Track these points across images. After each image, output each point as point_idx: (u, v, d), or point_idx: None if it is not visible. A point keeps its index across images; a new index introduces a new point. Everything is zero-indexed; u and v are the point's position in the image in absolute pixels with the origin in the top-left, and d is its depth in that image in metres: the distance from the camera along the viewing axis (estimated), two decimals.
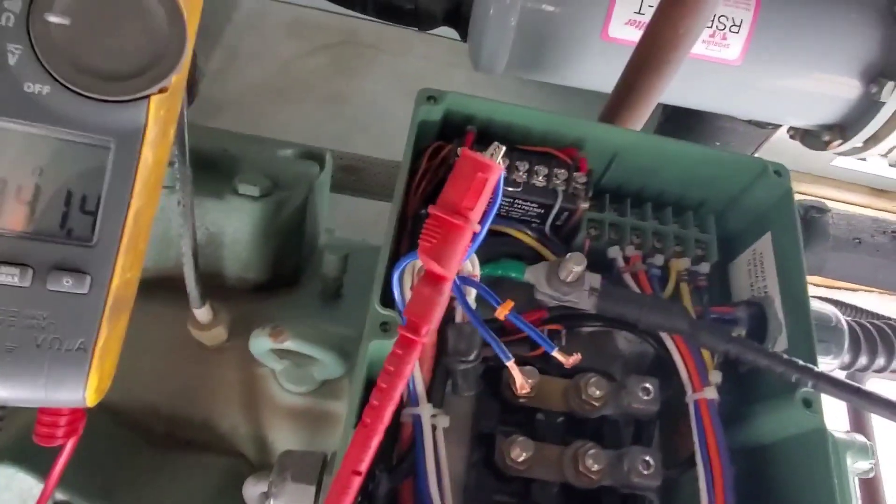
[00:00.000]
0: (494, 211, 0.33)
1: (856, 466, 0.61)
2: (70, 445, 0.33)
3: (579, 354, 0.34)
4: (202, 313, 0.42)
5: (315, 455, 0.37)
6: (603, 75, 0.69)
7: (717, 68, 0.67)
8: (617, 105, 0.59)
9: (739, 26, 0.65)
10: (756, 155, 0.98)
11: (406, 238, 0.44)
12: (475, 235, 0.33)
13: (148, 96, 0.28)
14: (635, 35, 0.63)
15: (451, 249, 0.32)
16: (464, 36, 0.71)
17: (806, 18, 0.66)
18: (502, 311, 0.35)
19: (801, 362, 0.39)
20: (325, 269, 0.51)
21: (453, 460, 0.41)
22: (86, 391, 0.28)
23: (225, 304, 0.48)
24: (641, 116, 0.60)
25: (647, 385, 0.42)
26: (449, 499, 0.38)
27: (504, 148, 0.33)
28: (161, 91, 0.28)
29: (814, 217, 0.87)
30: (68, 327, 0.27)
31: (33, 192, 0.27)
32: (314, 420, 0.46)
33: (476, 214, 0.32)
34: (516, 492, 0.41)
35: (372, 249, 0.61)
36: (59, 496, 0.37)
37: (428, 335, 0.32)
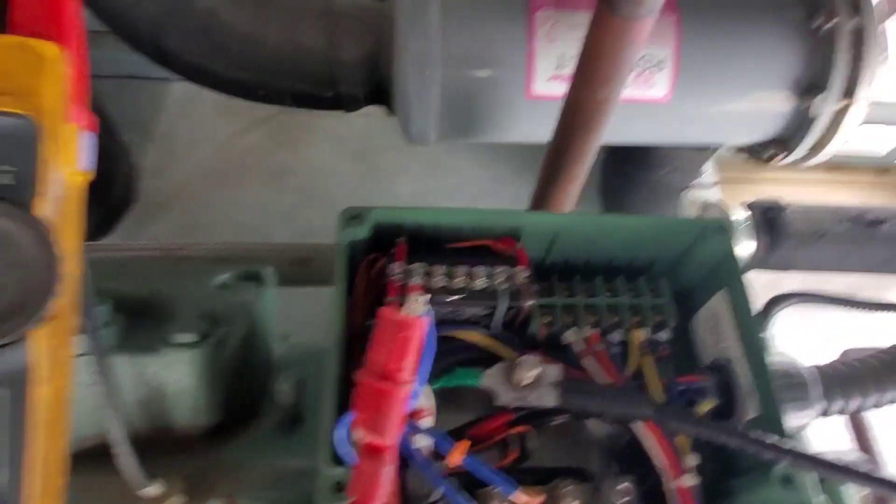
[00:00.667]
0: (431, 360, 0.32)
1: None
2: None
3: (543, 497, 0.32)
4: (153, 489, 0.40)
5: None
6: (533, 131, 0.68)
7: (648, 108, 0.66)
8: (550, 179, 0.59)
9: (663, 62, 0.65)
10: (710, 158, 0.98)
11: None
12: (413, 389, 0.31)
13: (23, 333, 0.26)
14: (559, 89, 0.62)
15: (386, 416, 0.30)
16: (391, 111, 0.70)
17: (727, 44, 0.66)
18: (455, 458, 0.33)
19: (773, 439, 0.38)
20: (279, 399, 0.49)
21: None
22: None
23: (178, 458, 0.45)
24: (577, 181, 0.59)
25: (622, 487, 0.40)
26: None
27: (428, 296, 0.31)
28: (40, 323, 0.26)
29: (773, 217, 0.87)
30: None
31: None
32: None
33: (407, 373, 0.31)
34: None
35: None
36: None
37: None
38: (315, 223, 1.10)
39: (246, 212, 1.11)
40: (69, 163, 0.29)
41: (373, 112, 1.28)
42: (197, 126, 1.17)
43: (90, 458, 0.46)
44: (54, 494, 0.28)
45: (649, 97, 0.65)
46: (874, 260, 0.91)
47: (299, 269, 0.75)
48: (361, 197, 1.17)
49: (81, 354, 0.37)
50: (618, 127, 0.62)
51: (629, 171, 0.85)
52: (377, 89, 0.67)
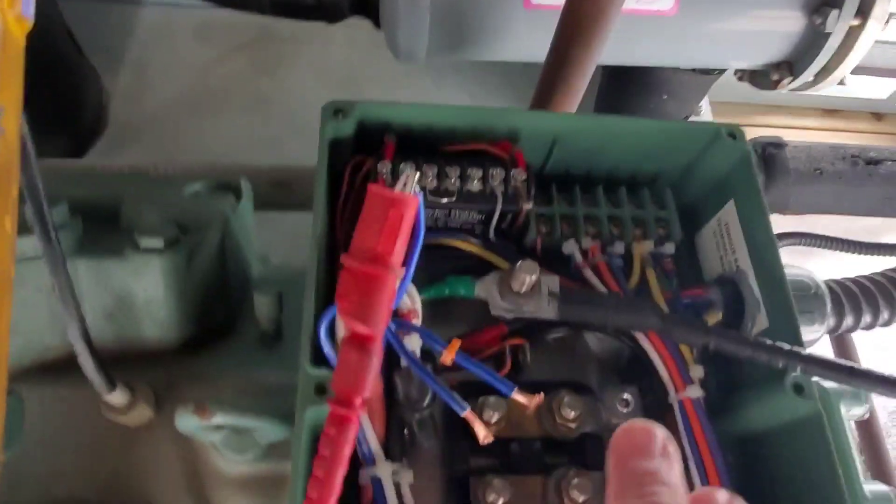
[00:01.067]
0: (419, 247, 0.28)
1: (851, 413, 0.59)
2: None
3: (541, 395, 0.30)
4: (115, 397, 0.37)
5: None
6: (530, 45, 0.64)
7: (653, 21, 0.62)
8: (549, 87, 0.55)
9: None
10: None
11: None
12: (401, 278, 0.28)
13: None
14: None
15: (373, 303, 0.27)
16: (377, 23, 0.65)
17: None
18: (448, 356, 0.30)
19: (786, 347, 0.35)
20: (258, 312, 0.46)
21: None
22: None
23: (148, 372, 0.42)
24: (576, 94, 0.55)
25: (626, 396, 0.38)
26: None
27: (417, 174, 0.29)
28: None
29: (772, 153, 0.84)
30: None
31: None
32: (267, 485, 0.41)
33: (397, 257, 0.27)
34: None
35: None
36: None
37: (363, 406, 0.27)
38: (296, 153, 1.05)
39: (224, 141, 1.06)
40: (11, 4, 0.25)
41: (357, 40, 1.22)
42: (172, 52, 1.11)
43: (56, 370, 0.43)
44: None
45: (654, 9, 0.61)
46: (872, 199, 0.89)
47: (279, 191, 0.71)
48: None
49: (36, 258, 0.33)
50: (620, 43, 0.58)
51: (627, 96, 0.82)
52: None
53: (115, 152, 0.98)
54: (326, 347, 0.32)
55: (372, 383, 0.27)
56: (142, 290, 0.42)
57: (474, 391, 0.37)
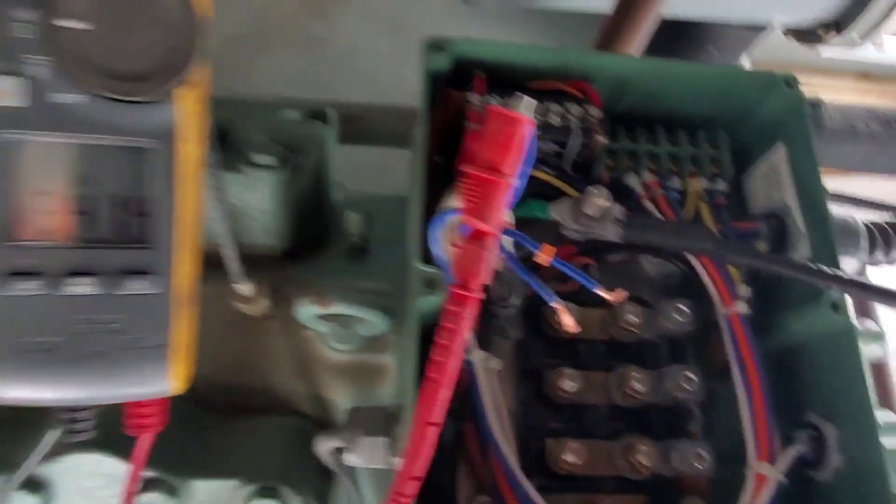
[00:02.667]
0: (531, 164, 0.34)
1: (868, 351, 0.65)
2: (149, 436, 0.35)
3: (623, 290, 0.36)
4: (246, 288, 0.43)
5: (380, 409, 0.39)
6: None
7: None
8: (612, 30, 0.59)
9: None
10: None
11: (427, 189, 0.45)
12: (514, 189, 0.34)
13: (170, 91, 0.27)
14: None
15: (492, 206, 0.33)
16: None
17: None
18: (544, 257, 0.36)
19: (828, 270, 0.41)
20: (349, 227, 0.52)
21: (505, 398, 0.43)
22: (169, 382, 0.29)
23: (256, 276, 0.48)
24: (639, 41, 0.59)
25: (681, 306, 0.43)
26: (509, 434, 0.40)
27: (535, 102, 0.33)
28: (184, 84, 0.28)
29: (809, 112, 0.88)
30: (144, 326, 0.28)
31: (80, 202, 0.27)
32: (364, 374, 0.47)
33: (512, 169, 0.33)
34: (568, 418, 0.43)
35: (388, 200, 0.62)
36: (147, 474, 0.39)
37: (480, 289, 0.33)
38: (344, 93, 1.09)
39: (278, 80, 1.11)
40: None
41: None
42: None
43: None
44: (197, 263, 0.30)
45: None
46: None
47: (347, 126, 0.76)
48: (396, 72, 1.16)
49: None
50: None
51: (676, 49, 0.85)
52: None
53: None
54: (435, 248, 0.37)
55: (487, 273, 0.33)
56: (255, 202, 0.48)
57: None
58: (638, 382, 0.41)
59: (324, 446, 0.41)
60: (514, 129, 0.32)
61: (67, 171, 0.27)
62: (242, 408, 0.47)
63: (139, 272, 0.28)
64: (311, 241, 0.53)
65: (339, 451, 0.39)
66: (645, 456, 0.40)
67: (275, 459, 0.43)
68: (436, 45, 0.45)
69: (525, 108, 0.32)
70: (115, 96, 0.26)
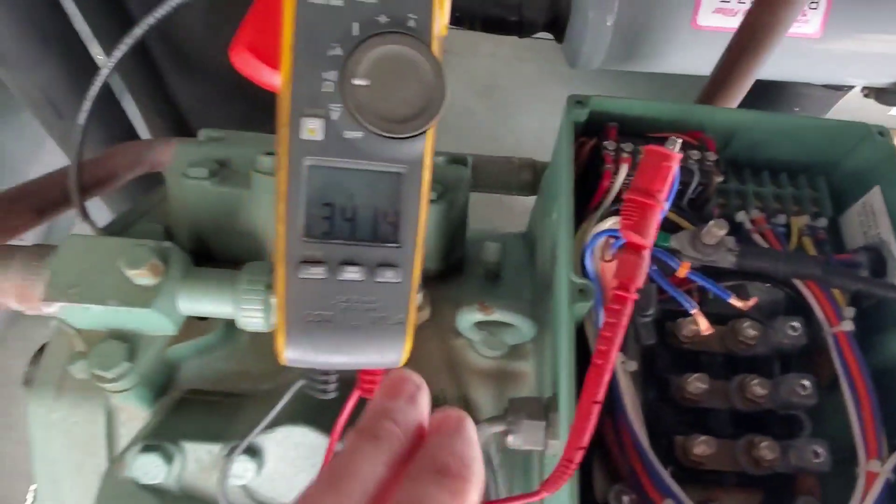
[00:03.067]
0: (675, 190, 0.42)
1: None
2: (350, 405, 0.43)
3: (756, 298, 0.43)
4: (419, 297, 0.51)
5: (538, 399, 0.46)
6: (692, 60, 0.76)
7: (799, 43, 0.74)
8: (716, 87, 0.67)
9: (818, 3, 0.72)
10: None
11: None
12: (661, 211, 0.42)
13: (425, 131, 0.37)
14: (722, 22, 0.70)
15: (647, 224, 0.41)
16: (559, 38, 0.79)
17: None
18: (683, 271, 0.43)
19: None
20: (487, 255, 0.60)
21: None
22: (402, 354, 0.38)
23: (422, 290, 0.57)
24: (739, 96, 0.68)
25: (795, 323, 0.50)
26: (644, 432, 0.46)
27: (680, 141, 0.41)
28: (432, 125, 0.37)
29: None
30: (391, 307, 0.37)
31: (353, 211, 0.37)
32: (506, 379, 0.55)
33: (664, 195, 0.41)
34: (692, 421, 0.50)
35: (508, 237, 0.71)
36: (340, 447, 0.47)
37: (636, 293, 0.41)
38: (444, 147, 1.20)
39: None
40: (442, 17, 0.39)
41: (499, 52, 1.37)
42: None
43: None
44: (421, 258, 0.39)
45: (802, 33, 0.73)
46: None
47: None
48: (489, 130, 1.27)
49: None
50: (770, 61, 0.70)
51: (762, 106, 0.93)
52: (555, 18, 0.77)
53: None
54: (588, 262, 0.45)
55: (643, 277, 0.41)
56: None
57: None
58: (759, 388, 0.47)
59: (485, 432, 0.48)
60: (669, 162, 0.40)
61: (347, 188, 0.36)
62: None
63: (391, 265, 0.36)
64: (453, 266, 0.62)
65: (505, 433, 0.46)
66: (767, 450, 0.46)
67: None
68: (578, 101, 0.54)
69: (677, 147, 0.41)
70: (386, 134, 0.35)
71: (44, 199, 0.66)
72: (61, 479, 0.56)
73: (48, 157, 1.28)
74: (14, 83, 0.87)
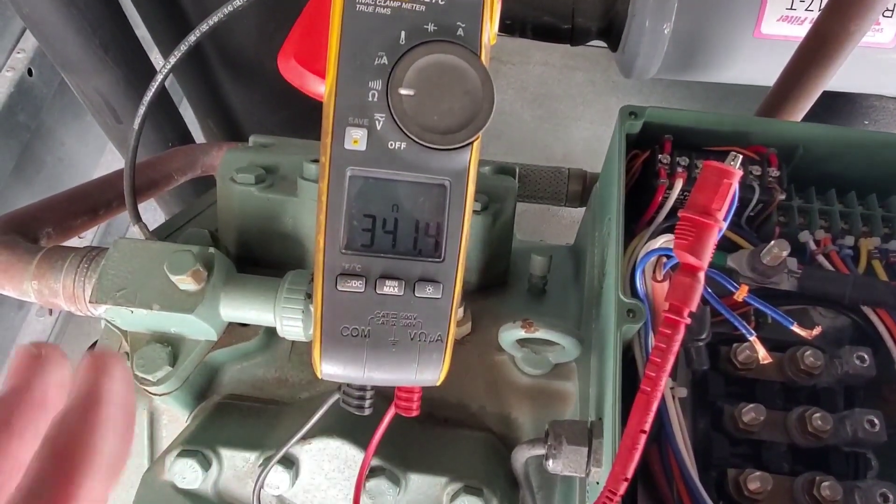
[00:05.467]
0: (734, 208, 0.39)
1: None
2: (387, 421, 0.42)
3: (820, 327, 0.40)
4: (460, 310, 0.50)
5: (581, 423, 0.44)
6: (753, 70, 0.73)
7: (871, 53, 0.69)
8: (780, 99, 0.64)
9: (893, 11, 0.68)
10: None
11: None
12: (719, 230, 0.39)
13: (471, 143, 0.36)
14: (788, 30, 0.67)
15: (703, 244, 0.38)
16: (613, 47, 0.77)
17: None
18: (741, 294, 0.41)
19: None
20: (533, 268, 0.59)
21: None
22: (440, 373, 0.36)
23: (462, 303, 0.56)
24: (804, 108, 0.64)
25: (863, 353, 0.46)
26: (693, 463, 0.44)
27: (741, 156, 0.39)
28: (477, 138, 0.36)
29: None
30: (430, 324, 0.35)
31: (395, 223, 0.36)
32: (549, 398, 0.53)
33: (722, 214, 0.38)
34: (746, 454, 0.47)
35: (555, 249, 0.69)
36: (374, 462, 0.46)
37: (690, 316, 0.38)
38: (493, 156, 1.19)
39: None
40: (492, 25, 0.38)
41: (551, 61, 1.35)
42: None
43: None
44: (463, 274, 0.38)
45: (875, 42, 0.69)
46: None
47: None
48: (539, 139, 1.25)
49: None
50: (840, 71, 0.66)
51: (831, 120, 0.88)
52: (609, 26, 0.74)
53: None
54: (639, 282, 0.43)
55: (697, 301, 0.39)
56: None
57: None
58: (822, 422, 0.44)
59: (524, 455, 0.46)
60: (729, 179, 0.38)
61: (388, 199, 0.35)
62: (439, 419, 0.54)
63: (431, 280, 0.35)
64: (496, 279, 0.61)
65: (546, 458, 0.44)
66: (829, 490, 0.43)
67: (477, 464, 0.49)
68: (631, 112, 0.52)
69: (738, 163, 0.38)
70: (430, 145, 0.34)
71: (99, 200, 0.68)
72: None
73: (109, 159, 1.32)
74: (77, 88, 0.90)
